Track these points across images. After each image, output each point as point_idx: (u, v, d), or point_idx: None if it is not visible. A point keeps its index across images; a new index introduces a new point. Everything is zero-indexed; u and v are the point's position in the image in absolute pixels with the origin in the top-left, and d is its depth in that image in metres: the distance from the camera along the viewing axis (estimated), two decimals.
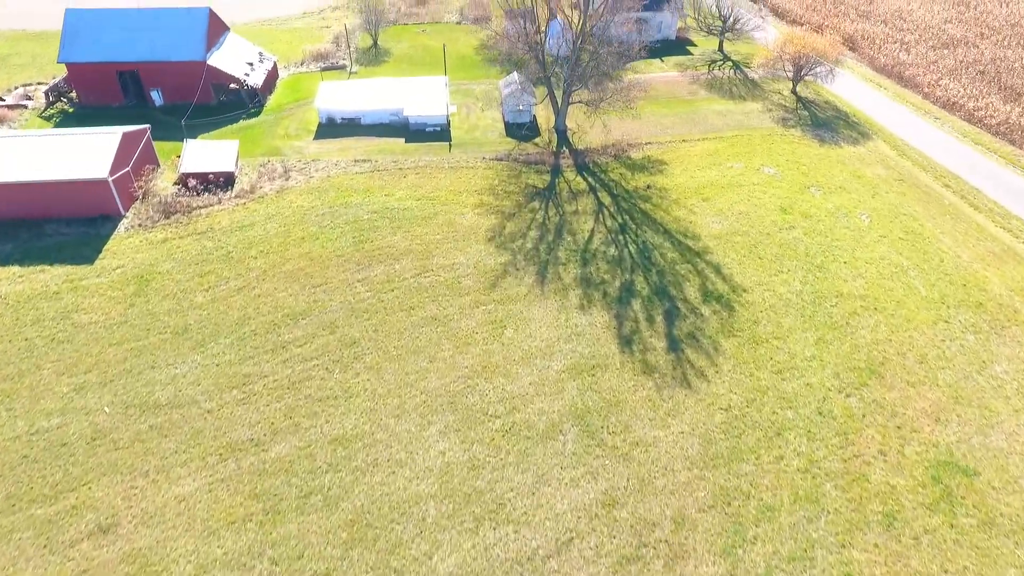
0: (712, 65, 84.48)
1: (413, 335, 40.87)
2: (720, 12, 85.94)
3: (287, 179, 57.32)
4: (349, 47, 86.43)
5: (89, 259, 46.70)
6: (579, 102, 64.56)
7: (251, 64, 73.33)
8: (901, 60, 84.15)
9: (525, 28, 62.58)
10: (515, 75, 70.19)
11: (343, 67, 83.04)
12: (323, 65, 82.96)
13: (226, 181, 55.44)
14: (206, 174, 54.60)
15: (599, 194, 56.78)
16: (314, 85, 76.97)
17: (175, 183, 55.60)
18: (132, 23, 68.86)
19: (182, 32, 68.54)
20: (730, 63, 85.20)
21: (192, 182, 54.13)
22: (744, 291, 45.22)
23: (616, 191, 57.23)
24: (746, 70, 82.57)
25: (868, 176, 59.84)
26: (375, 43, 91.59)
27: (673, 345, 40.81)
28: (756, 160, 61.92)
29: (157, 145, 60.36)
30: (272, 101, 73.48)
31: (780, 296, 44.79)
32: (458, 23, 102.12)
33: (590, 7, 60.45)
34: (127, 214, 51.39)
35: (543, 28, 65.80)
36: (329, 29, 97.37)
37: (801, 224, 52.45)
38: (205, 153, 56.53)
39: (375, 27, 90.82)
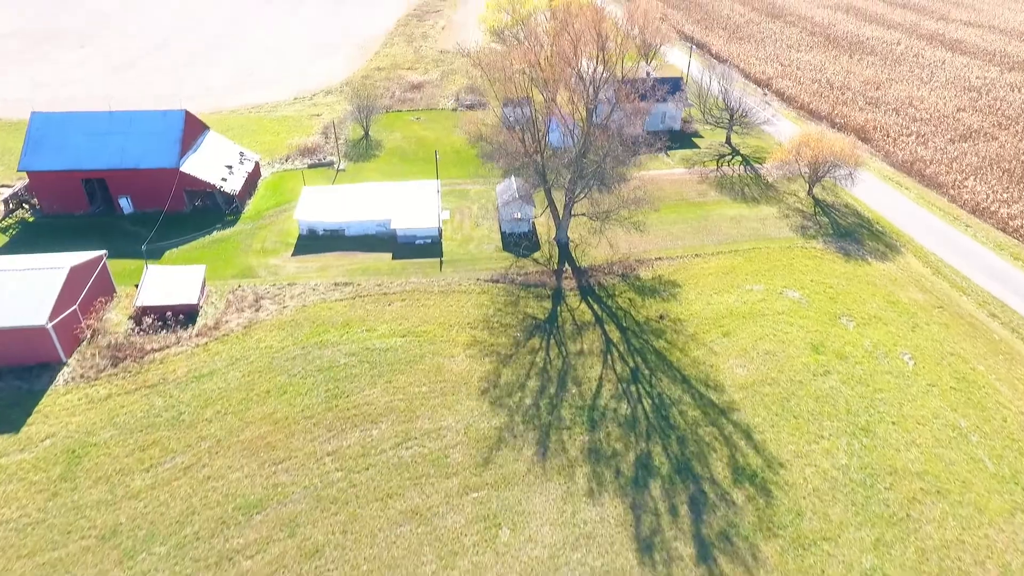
0: (721, 161, 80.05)
1: (389, 541, 33.88)
2: (727, 103, 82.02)
3: (258, 309, 51.29)
4: (337, 142, 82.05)
5: (15, 425, 40.08)
6: (582, 215, 59.38)
7: (230, 167, 68.47)
8: (920, 156, 79.77)
9: (524, 141, 57.77)
10: (512, 181, 65.16)
11: (330, 163, 78.42)
12: (310, 162, 78.36)
13: (188, 316, 49.40)
14: (165, 309, 48.59)
15: (606, 327, 50.70)
16: (298, 186, 72.09)
17: (130, 316, 49.54)
18: (102, 127, 64.23)
19: (155, 137, 63.83)
20: (739, 158, 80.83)
21: (149, 319, 48.05)
22: (781, 466, 38.54)
23: (626, 323, 51.17)
24: (757, 166, 78.09)
25: (904, 302, 53.98)
26: (366, 134, 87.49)
27: (703, 552, 33.84)
28: (778, 281, 56.17)
29: (119, 264, 54.73)
30: (251, 206, 68.30)
31: (824, 473, 38.08)
32: (454, 110, 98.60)
33: (594, 115, 55.98)
34: (69, 361, 45.06)
35: (543, 131, 61.06)
36: (319, 118, 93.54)
37: (837, 368, 46.18)
38: (166, 282, 50.63)
39: (366, 117, 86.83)
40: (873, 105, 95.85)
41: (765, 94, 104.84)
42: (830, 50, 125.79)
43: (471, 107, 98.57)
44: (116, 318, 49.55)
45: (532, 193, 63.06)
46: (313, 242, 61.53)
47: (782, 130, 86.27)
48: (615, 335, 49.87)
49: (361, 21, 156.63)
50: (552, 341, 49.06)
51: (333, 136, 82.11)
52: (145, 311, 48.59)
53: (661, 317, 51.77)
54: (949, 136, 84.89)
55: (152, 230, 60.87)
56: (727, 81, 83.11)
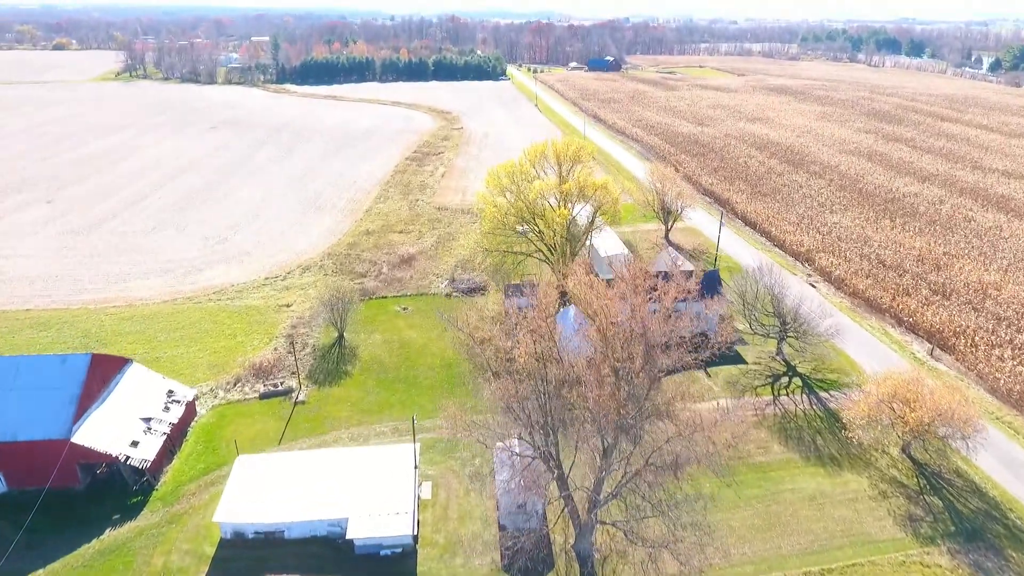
0: (778, 386, 64.19)
1: None
2: (777, 310, 67.12)
3: None
4: (297, 360, 66.77)
5: None
6: (611, 524, 42.56)
7: (149, 421, 52.61)
8: None
9: (535, 440, 41.92)
10: (515, 445, 48.72)
11: (288, 392, 62.73)
12: (263, 389, 62.82)
13: None
14: None
15: None
16: (241, 430, 56.20)
17: None
18: None
19: (46, 395, 48.51)
20: (798, 380, 65.05)
21: None
22: None
23: None
24: (826, 398, 62.06)
25: None
26: (341, 336, 72.86)
27: None
28: None
29: None
30: (170, 474, 51.78)
31: None
32: (447, 295, 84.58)
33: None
34: None
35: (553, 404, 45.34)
36: (288, 311, 79.34)
37: None
38: None
39: (341, 317, 72.39)
40: (941, 295, 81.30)
41: (809, 275, 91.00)
42: (867, 209, 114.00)
43: (467, 292, 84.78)
44: None
45: (543, 481, 46.47)
46: (239, 551, 44.34)
47: (848, 338, 70.73)
48: None
49: (356, 169, 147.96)
50: None
51: (294, 357, 66.59)
52: None
53: None
54: None
55: (21, 528, 44.16)
56: (774, 277, 68.95)
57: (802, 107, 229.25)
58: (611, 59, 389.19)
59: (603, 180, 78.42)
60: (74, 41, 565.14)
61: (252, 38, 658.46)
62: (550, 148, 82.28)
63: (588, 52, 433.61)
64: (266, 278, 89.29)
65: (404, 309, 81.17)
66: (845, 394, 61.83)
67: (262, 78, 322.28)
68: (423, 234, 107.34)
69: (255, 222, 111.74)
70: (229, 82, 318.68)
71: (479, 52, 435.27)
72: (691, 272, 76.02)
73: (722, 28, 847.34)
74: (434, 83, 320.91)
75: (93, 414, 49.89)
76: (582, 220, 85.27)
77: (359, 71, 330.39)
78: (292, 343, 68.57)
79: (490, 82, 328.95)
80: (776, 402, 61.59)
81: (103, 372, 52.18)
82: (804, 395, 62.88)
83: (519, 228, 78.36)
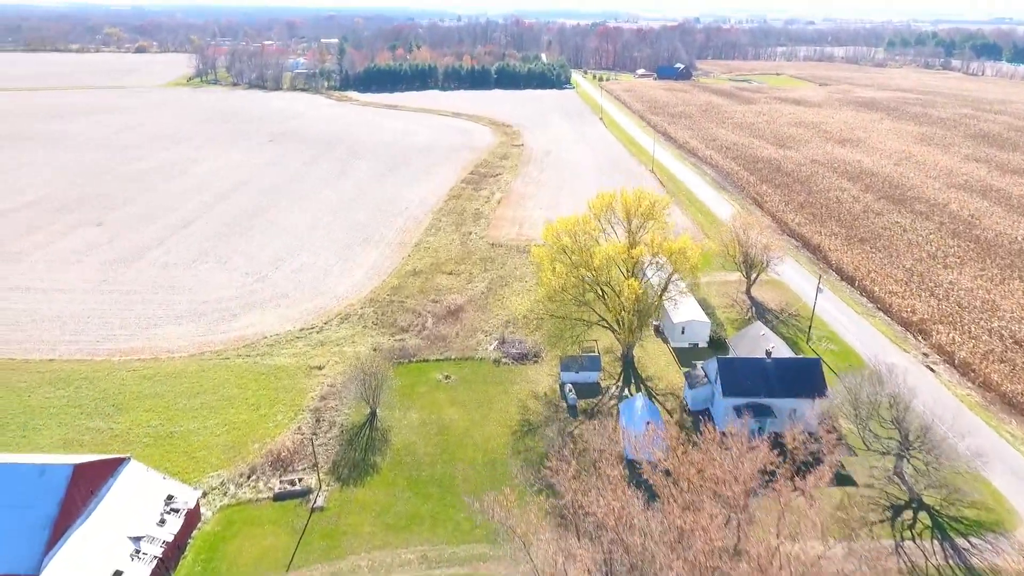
0: (900, 524, 51.32)
1: None
2: (898, 419, 53.94)
3: None
4: (315, 452, 58.33)
5: None
6: None
7: (138, 541, 45.04)
8: None
9: None
10: None
11: (305, 493, 54.40)
12: (277, 488, 54.67)
13: None
14: None
15: None
16: (247, 545, 48.31)
17: None
18: None
19: (15, 515, 41.62)
20: (925, 516, 51.91)
21: None
22: None
23: None
24: (961, 543, 48.86)
25: None
26: (372, 415, 64.30)
27: None
28: None
29: None
30: None
31: None
32: (496, 362, 74.76)
33: None
34: None
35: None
36: (320, 375, 71.49)
37: None
38: None
39: (375, 393, 63.63)
40: None
41: (925, 355, 76.48)
42: (988, 264, 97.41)
43: (518, 358, 74.78)
44: None
45: None
46: None
47: (987, 455, 56.57)
48: None
49: (409, 192, 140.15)
50: None
51: (311, 451, 58.05)
52: None
53: None
54: None
55: None
56: (899, 382, 55.80)
57: (897, 126, 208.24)
58: (681, 66, 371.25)
59: (681, 243, 66.73)
60: (155, 44, 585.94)
61: (321, 39, 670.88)
62: (619, 201, 71.51)
63: (657, 58, 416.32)
64: (301, 329, 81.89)
65: (447, 378, 71.90)
66: (991, 543, 48.60)
67: (326, 84, 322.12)
68: (473, 277, 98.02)
69: (299, 255, 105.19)
70: (294, 88, 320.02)
71: (543, 59, 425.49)
72: (788, 361, 63.85)
73: (799, 30, 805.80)
74: (496, 92, 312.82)
75: (72, 538, 42.59)
76: (654, 280, 74.05)
77: (421, 78, 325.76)
78: (315, 430, 60.28)
79: (554, 91, 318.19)
80: (900, 551, 48.80)
81: (90, 481, 45.02)
82: (936, 540, 49.80)
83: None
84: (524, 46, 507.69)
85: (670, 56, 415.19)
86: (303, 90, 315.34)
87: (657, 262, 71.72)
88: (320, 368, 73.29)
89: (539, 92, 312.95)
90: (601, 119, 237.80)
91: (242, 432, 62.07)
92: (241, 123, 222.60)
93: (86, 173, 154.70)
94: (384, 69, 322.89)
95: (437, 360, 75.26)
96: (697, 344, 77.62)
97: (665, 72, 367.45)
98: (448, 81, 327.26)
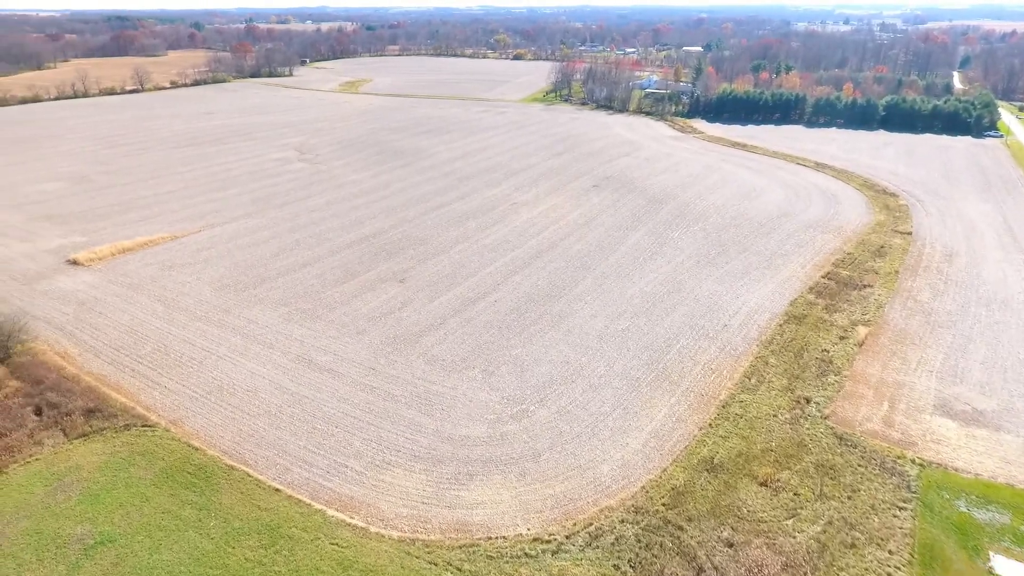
0: None
1: None
2: None
3: None
4: None
5: None
6: None
7: None
8: None
9: None
10: None
11: None
12: None
13: None
14: None
15: None
16: None
17: None
18: None
19: None
20: None
21: None
22: None
23: None
24: None
25: None
26: None
27: None
28: None
29: None
30: None
31: None
32: None
33: None
34: None
35: None
36: None
37: None
38: None
39: None
40: None
41: None
42: None
43: None
44: None
45: None
46: None
47: None
48: None
49: (734, 296, 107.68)
50: None
51: None
52: None
53: None
54: None
55: None
56: None
57: None
58: None
59: None
60: (531, 50, 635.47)
61: (684, 48, 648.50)
62: None
63: None
64: (535, 538, 61.30)
65: None
66: None
67: (673, 109, 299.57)
68: (799, 504, 64.79)
69: (573, 385, 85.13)
70: (639, 110, 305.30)
71: (955, 85, 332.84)
72: None
73: None
74: (882, 134, 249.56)
75: None
76: None
77: (783, 109, 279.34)
78: None
79: (968, 139, 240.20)
80: None
81: None
82: None
83: None
84: (931, 65, 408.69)
85: None
86: (647, 113, 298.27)
87: None
88: None
89: (945, 140, 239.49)
90: None
91: None
92: (576, 157, 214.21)
93: (417, 206, 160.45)
94: (740, 97, 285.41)
95: None
96: None
97: None
98: (817, 115, 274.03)
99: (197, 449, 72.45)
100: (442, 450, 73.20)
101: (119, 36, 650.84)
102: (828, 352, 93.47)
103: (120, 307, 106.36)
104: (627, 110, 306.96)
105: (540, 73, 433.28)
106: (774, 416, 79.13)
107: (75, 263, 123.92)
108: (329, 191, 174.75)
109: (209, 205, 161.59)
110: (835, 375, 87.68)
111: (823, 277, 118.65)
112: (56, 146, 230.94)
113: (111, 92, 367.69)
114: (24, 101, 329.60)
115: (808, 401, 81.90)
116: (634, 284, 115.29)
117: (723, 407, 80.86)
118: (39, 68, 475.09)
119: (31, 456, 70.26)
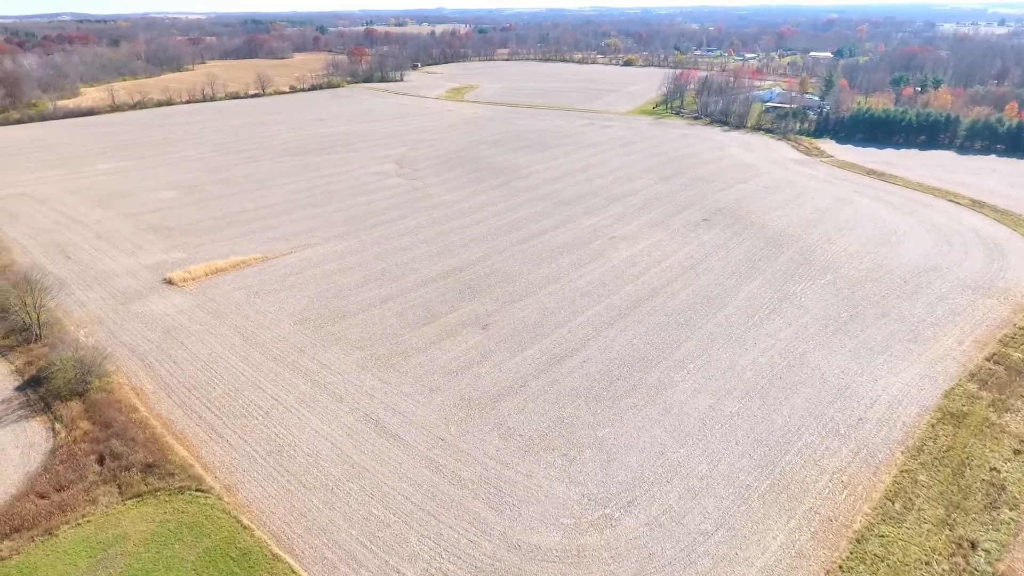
0: None
1: None
2: None
3: None
4: None
5: None
6: None
7: None
8: None
9: None
10: None
11: None
12: None
13: None
14: None
15: None
16: None
17: None
18: None
19: None
20: None
21: None
22: None
23: None
24: None
25: None
26: None
27: None
28: None
29: None
30: None
31: None
32: None
33: None
34: None
35: None
36: None
37: None
38: None
39: None
40: None
41: None
42: None
43: None
44: None
45: None
46: None
47: None
48: None
49: (869, 380, 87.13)
50: None
51: None
52: None
53: None
54: None
55: None
56: None
57: None
58: None
59: None
60: (642, 56, 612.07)
61: (811, 53, 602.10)
62: None
63: None
64: None
65: None
66: None
67: (797, 126, 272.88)
68: None
69: (665, 489, 71.96)
70: (758, 127, 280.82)
71: None
72: None
73: None
74: None
75: None
76: None
77: (930, 131, 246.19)
78: None
79: None
80: None
81: None
82: None
83: None
84: None
85: None
86: (768, 131, 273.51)
87: None
88: None
89: None
90: None
91: None
92: (685, 182, 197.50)
93: (509, 235, 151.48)
94: (878, 116, 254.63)
95: None
96: None
97: None
98: (973, 139, 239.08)
99: (246, 528, 66.61)
100: (507, 562, 62.92)
101: (252, 39, 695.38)
102: (999, 473, 74.43)
103: (202, 337, 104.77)
104: (744, 126, 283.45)
105: (651, 81, 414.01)
106: (927, 564, 62.44)
107: (170, 283, 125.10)
108: (422, 212, 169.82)
109: (304, 223, 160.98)
110: (1010, 508, 69.04)
111: (987, 359, 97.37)
112: (179, 151, 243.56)
113: (235, 96, 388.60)
114: (160, 104, 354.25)
115: (974, 546, 64.31)
116: (747, 352, 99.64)
117: (857, 542, 65.02)
118: (179, 70, 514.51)
119: (83, 517, 67.28)
